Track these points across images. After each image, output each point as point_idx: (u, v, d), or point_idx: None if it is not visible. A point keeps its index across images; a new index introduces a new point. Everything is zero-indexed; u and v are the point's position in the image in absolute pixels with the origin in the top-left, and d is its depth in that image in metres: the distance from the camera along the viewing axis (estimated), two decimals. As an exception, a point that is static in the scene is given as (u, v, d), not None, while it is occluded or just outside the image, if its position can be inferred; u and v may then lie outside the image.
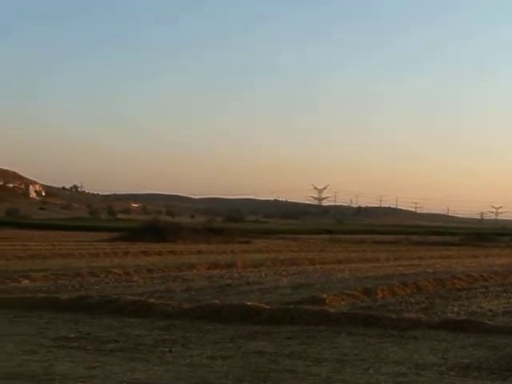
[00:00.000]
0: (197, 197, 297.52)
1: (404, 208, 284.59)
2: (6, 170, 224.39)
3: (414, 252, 45.77)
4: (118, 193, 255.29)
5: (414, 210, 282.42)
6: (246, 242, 58.34)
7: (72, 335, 11.35)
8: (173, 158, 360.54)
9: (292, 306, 13.87)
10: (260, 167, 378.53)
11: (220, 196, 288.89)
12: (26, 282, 20.12)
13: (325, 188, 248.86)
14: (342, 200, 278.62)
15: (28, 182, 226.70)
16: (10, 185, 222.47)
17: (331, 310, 13.48)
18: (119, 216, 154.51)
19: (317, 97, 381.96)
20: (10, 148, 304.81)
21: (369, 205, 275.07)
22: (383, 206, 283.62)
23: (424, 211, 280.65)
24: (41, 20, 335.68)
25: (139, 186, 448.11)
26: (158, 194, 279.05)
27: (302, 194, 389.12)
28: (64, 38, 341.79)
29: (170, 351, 10.09)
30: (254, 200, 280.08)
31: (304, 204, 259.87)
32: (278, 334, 11.57)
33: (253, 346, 10.60)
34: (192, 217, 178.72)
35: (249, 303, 14.02)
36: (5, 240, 53.37)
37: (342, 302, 15.75)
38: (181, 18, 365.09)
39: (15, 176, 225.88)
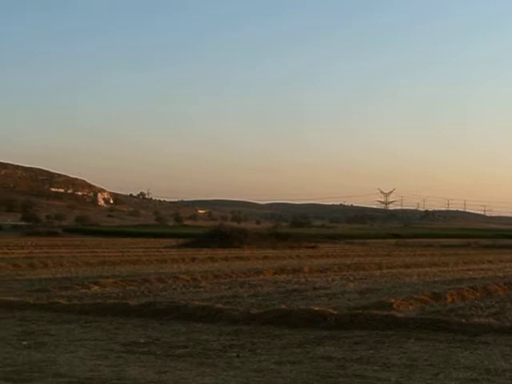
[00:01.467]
0: (262, 202, 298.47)
1: (472, 211, 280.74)
2: (76, 179, 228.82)
3: (483, 256, 45.06)
4: (184, 199, 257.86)
5: (482, 213, 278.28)
6: (313, 247, 58.28)
7: (142, 340, 11.49)
8: (238, 165, 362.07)
9: (359, 311, 13.78)
10: (326, 172, 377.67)
11: (286, 201, 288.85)
12: (96, 288, 20.46)
13: (391, 192, 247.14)
14: (409, 204, 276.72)
15: (96, 190, 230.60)
16: (80, 193, 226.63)
17: (399, 315, 13.35)
18: (186, 222, 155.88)
19: (382, 101, 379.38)
20: (79, 157, 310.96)
21: (436, 208, 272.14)
22: (451, 209, 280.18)
23: (493, 214, 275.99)
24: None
25: (206, 193, 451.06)
26: (223, 200, 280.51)
27: (368, 199, 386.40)
28: (134, 44, 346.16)
29: (238, 356, 10.12)
30: (320, 205, 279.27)
31: (370, 208, 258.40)
32: (346, 339, 11.51)
33: (320, 351, 10.56)
34: (258, 222, 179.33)
35: (316, 308, 13.98)
36: (74, 247, 54.42)
37: (410, 307, 15.60)
38: (246, 23, 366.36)
39: (84, 184, 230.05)
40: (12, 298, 17.06)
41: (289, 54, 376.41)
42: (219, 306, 14.89)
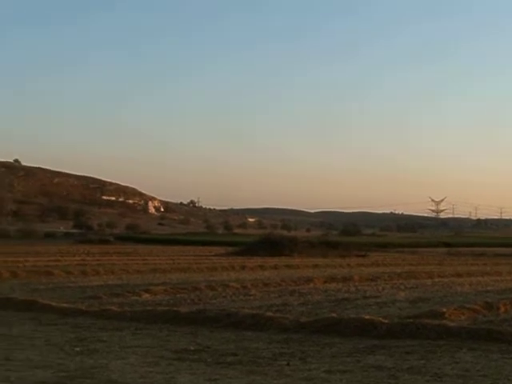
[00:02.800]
0: (312, 210, 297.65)
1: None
2: (127, 187, 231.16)
3: (537, 265, 44.24)
4: (234, 207, 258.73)
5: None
6: (363, 256, 57.89)
7: (192, 348, 11.55)
8: (288, 173, 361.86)
9: (410, 320, 13.65)
10: (376, 180, 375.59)
11: (335, 209, 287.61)
12: (147, 295, 20.62)
13: (442, 200, 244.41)
14: (461, 212, 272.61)
15: (147, 198, 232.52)
16: (130, 201, 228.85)
17: (451, 325, 13.20)
18: (235, 230, 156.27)
19: (434, 109, 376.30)
20: (129, 165, 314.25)
21: (489, 217, 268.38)
22: (504, 217, 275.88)
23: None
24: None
25: (255, 201, 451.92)
26: (273, 208, 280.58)
27: (419, 207, 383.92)
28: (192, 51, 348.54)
29: (288, 365, 10.11)
30: (370, 213, 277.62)
31: (421, 217, 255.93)
32: (397, 349, 11.42)
33: (371, 360, 10.49)
34: (308, 230, 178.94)
35: (366, 317, 13.90)
36: (126, 255, 54.92)
37: (462, 317, 15.39)
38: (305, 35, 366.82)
39: (135, 192, 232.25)
40: (65, 305, 17.31)
41: (345, 61, 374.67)
42: (269, 314, 14.89)
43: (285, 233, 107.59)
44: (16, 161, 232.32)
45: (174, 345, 11.90)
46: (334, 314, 14.84)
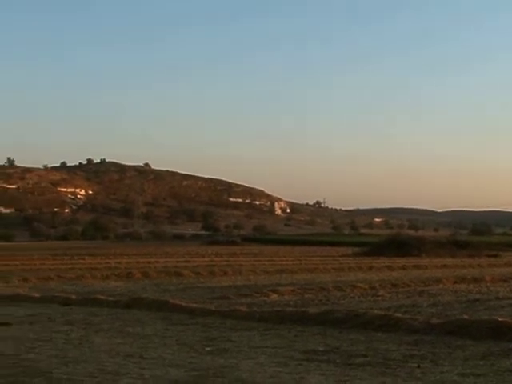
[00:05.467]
0: (440, 210, 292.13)
1: None
2: (253, 189, 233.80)
3: None
4: (361, 208, 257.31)
5: None
6: (494, 256, 56.41)
7: (321, 348, 11.51)
8: (416, 171, 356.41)
9: (548, 323, 13.14)
10: (507, 178, 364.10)
11: (464, 208, 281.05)
12: (275, 296, 20.76)
13: None
14: None
15: (273, 200, 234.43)
16: (257, 202, 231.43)
17: None
18: (362, 231, 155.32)
19: None
20: (256, 167, 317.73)
21: None
22: None
23: None
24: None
25: (382, 201, 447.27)
26: (400, 208, 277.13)
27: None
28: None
29: (419, 367, 9.91)
30: (501, 212, 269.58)
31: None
32: (534, 352, 11.00)
33: (506, 364, 10.14)
34: (435, 230, 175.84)
35: (500, 319, 13.47)
36: (252, 255, 55.56)
37: None
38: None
39: (261, 194, 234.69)
40: (194, 305, 17.64)
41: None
42: (398, 315, 14.69)
43: (412, 233, 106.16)
44: (146, 165, 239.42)
45: (302, 345, 11.90)
46: (465, 316, 14.47)
